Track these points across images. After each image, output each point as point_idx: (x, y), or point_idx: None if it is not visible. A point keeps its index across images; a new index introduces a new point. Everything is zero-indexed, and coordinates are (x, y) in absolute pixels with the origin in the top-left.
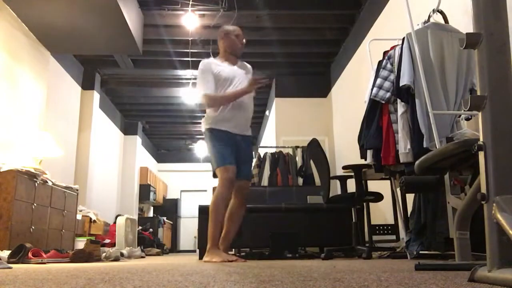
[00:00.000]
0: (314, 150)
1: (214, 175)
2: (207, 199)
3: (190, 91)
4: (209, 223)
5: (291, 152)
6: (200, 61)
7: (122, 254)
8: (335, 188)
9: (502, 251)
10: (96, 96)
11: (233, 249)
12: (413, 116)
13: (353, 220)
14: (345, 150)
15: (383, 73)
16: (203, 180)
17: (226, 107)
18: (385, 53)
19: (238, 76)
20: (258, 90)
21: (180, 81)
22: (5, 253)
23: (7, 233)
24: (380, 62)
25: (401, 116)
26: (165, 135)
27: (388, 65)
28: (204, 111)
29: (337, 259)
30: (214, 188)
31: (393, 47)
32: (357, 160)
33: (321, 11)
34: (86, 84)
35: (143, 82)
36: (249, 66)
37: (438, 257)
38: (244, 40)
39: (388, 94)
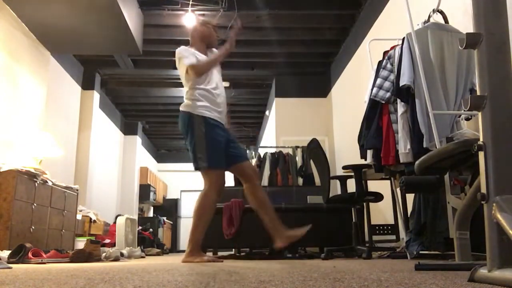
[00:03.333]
0: (314, 150)
1: (197, 168)
2: None
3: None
4: (194, 226)
5: (291, 152)
6: None
7: (122, 254)
8: (335, 188)
9: (502, 251)
10: (96, 96)
11: (233, 249)
12: (413, 116)
13: (353, 220)
14: (345, 150)
15: (383, 73)
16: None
17: (213, 95)
18: (385, 53)
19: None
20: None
21: (180, 81)
22: (5, 253)
23: (7, 233)
24: (380, 62)
25: (401, 116)
26: (165, 135)
27: (388, 65)
28: (189, 91)
29: (337, 259)
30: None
31: (393, 47)
32: (357, 160)
33: (321, 11)
34: (86, 84)
35: (143, 82)
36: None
37: (438, 257)
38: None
39: (388, 94)
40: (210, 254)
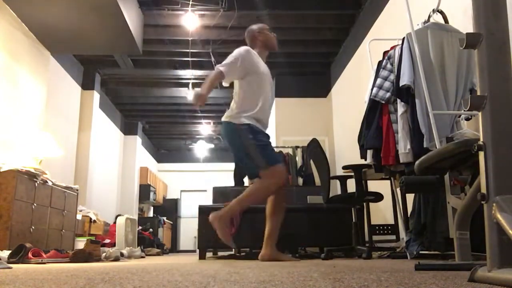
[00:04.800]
0: (314, 150)
1: (253, 176)
2: (207, 199)
3: (191, 92)
4: (240, 201)
5: (291, 152)
6: (200, 61)
7: (122, 254)
8: (335, 188)
9: (502, 251)
10: (96, 96)
11: (233, 249)
12: (413, 116)
13: (353, 220)
14: (345, 150)
15: (383, 73)
16: (203, 180)
17: (259, 106)
18: (385, 53)
19: (268, 74)
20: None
21: (180, 81)
22: (5, 253)
23: (7, 233)
24: (380, 62)
25: (401, 116)
26: (165, 135)
27: (388, 65)
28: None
29: (337, 259)
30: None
31: (393, 47)
32: (357, 160)
33: (321, 11)
34: (86, 84)
35: (143, 82)
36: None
37: (438, 257)
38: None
39: (388, 94)
40: (209, 254)
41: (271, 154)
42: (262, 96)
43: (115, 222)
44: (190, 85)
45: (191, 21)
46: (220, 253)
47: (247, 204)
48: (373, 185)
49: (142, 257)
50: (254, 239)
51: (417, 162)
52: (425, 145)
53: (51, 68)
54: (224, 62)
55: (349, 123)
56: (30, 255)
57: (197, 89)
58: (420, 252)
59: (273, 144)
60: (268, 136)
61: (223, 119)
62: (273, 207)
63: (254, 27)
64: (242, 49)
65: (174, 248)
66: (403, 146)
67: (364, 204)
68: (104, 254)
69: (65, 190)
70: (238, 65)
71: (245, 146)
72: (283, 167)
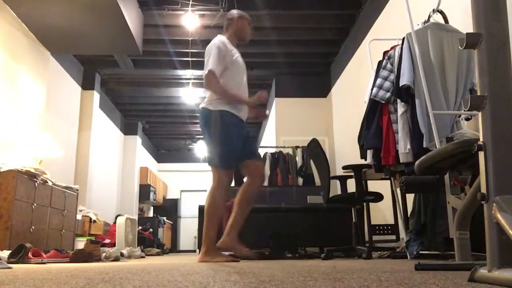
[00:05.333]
0: (314, 150)
1: (210, 163)
2: None
3: (190, 91)
4: (207, 224)
5: (291, 152)
6: (200, 61)
7: (122, 254)
8: (335, 188)
9: (502, 251)
10: (96, 96)
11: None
12: (413, 116)
13: (353, 220)
14: (345, 150)
15: (383, 73)
16: (203, 180)
17: (242, 94)
18: (385, 53)
19: (243, 63)
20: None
21: (180, 81)
22: (5, 253)
23: (7, 233)
24: (380, 62)
25: (401, 116)
26: (165, 135)
27: (388, 65)
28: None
29: (337, 259)
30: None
31: (393, 47)
32: (357, 160)
33: (321, 11)
34: (86, 84)
35: (143, 82)
36: None
37: (438, 257)
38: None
39: (388, 94)
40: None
41: (228, 156)
42: (242, 85)
43: (115, 222)
44: (190, 85)
45: (191, 21)
46: None
47: (216, 220)
48: (373, 185)
49: (142, 257)
50: (254, 239)
51: (417, 162)
52: (425, 145)
53: (51, 68)
54: (207, 62)
55: (349, 123)
56: (30, 255)
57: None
58: (420, 252)
59: (273, 144)
60: (246, 130)
61: (201, 106)
62: (242, 197)
63: (236, 12)
64: (217, 41)
65: (174, 248)
66: (403, 146)
67: (364, 204)
68: (104, 254)
69: (65, 190)
70: (222, 59)
71: (213, 133)
72: (229, 175)
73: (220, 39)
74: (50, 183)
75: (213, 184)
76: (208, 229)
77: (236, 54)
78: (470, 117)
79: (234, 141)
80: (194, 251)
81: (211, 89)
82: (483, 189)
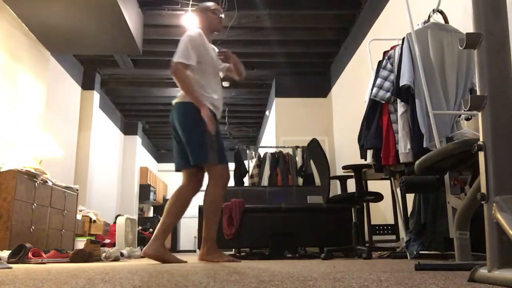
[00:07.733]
0: (314, 150)
1: (204, 161)
2: None
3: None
4: (209, 223)
5: (291, 152)
6: None
7: (122, 254)
8: (335, 188)
9: (502, 251)
10: (96, 96)
11: (233, 249)
12: (413, 116)
13: (353, 220)
14: (345, 150)
15: (383, 73)
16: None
17: (215, 91)
18: (385, 53)
19: (218, 59)
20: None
21: None
22: (5, 253)
23: (7, 233)
24: (380, 62)
25: (401, 116)
26: (165, 135)
27: (388, 65)
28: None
29: (337, 259)
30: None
31: (393, 47)
32: (357, 160)
33: (321, 11)
34: (86, 84)
35: (143, 82)
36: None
37: (438, 257)
38: (222, 15)
39: (388, 94)
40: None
41: (221, 150)
42: (212, 82)
43: (115, 222)
44: None
45: (191, 21)
46: None
47: (216, 220)
48: (373, 185)
49: (142, 257)
50: (254, 239)
51: (417, 162)
52: (425, 145)
53: (51, 68)
54: (183, 50)
55: (349, 123)
56: (30, 255)
57: (203, 114)
58: (420, 252)
59: (273, 144)
60: (218, 131)
61: (174, 101)
62: (175, 200)
63: (202, 5)
64: (194, 33)
65: (174, 248)
66: (403, 146)
67: (364, 204)
68: (104, 254)
69: (65, 190)
70: (195, 52)
71: (198, 126)
72: (228, 170)
73: (196, 31)
74: (50, 183)
75: (212, 182)
76: (208, 228)
77: (210, 49)
78: (470, 117)
79: (218, 134)
80: (194, 251)
81: (176, 78)
82: (483, 189)
